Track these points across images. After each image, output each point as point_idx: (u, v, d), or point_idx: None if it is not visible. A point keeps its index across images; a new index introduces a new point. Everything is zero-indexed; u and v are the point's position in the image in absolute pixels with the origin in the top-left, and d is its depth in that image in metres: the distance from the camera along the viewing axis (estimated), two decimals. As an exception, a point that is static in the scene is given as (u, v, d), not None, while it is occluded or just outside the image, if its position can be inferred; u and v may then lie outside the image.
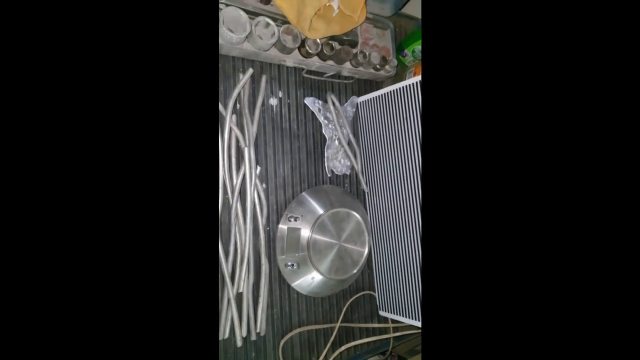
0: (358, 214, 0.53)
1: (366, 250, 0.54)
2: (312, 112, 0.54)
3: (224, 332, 0.44)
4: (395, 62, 0.58)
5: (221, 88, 0.47)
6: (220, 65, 0.47)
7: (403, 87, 0.51)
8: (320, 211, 0.50)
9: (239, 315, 0.44)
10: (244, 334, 0.45)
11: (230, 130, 0.46)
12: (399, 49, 0.64)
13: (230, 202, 0.45)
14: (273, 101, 0.51)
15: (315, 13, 0.47)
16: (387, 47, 0.59)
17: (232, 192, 0.45)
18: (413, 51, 0.61)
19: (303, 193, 0.52)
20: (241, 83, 0.46)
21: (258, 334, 0.46)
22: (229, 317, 0.44)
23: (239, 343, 0.44)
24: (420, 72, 0.59)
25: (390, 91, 0.53)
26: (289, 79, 0.53)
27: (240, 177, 0.45)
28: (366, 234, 0.54)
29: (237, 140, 0.47)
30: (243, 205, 0.46)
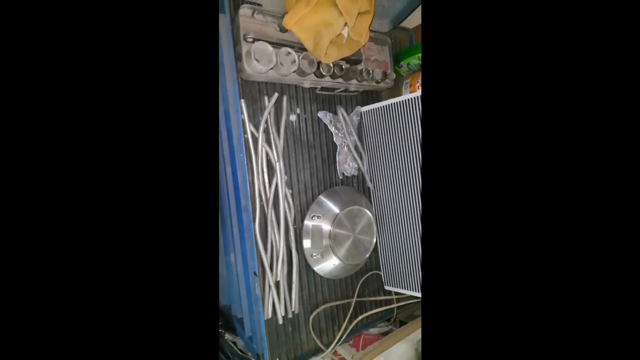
0: (368, 210, 0.63)
1: (374, 239, 0.65)
2: (325, 124, 0.63)
3: (267, 313, 0.54)
4: (394, 75, 0.66)
5: (250, 110, 0.54)
6: (247, 90, 0.54)
7: (400, 101, 0.60)
8: (337, 210, 0.60)
9: (279, 298, 0.55)
10: (283, 313, 0.55)
11: (262, 147, 0.54)
12: (396, 60, 0.72)
13: (266, 210, 0.54)
14: (292, 117, 0.59)
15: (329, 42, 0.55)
16: (386, 60, 0.68)
17: (267, 202, 0.54)
18: (408, 64, 0.70)
19: (320, 196, 0.62)
20: (269, 107, 0.54)
21: (293, 312, 0.57)
22: (271, 300, 0.54)
23: (280, 321, 0.55)
24: (414, 84, 0.67)
25: (390, 104, 0.62)
26: (304, 96, 0.61)
27: (274, 187, 0.54)
28: (374, 226, 0.65)
29: (267, 155, 0.55)
30: (276, 210, 0.55)
